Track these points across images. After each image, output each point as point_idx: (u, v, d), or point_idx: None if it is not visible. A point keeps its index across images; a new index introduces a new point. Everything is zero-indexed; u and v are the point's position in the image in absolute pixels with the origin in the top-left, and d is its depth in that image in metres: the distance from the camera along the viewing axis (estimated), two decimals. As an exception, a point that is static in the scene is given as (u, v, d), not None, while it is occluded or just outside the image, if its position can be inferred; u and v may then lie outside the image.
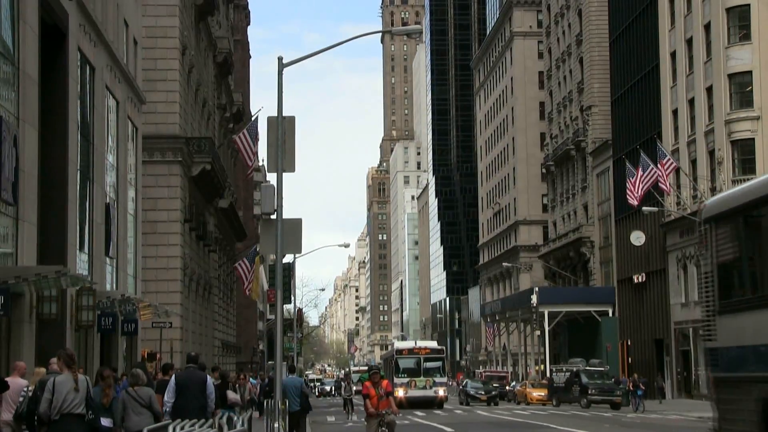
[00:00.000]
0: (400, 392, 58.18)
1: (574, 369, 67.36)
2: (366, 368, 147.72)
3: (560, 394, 67.37)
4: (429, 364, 62.69)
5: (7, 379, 18.96)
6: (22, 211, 27.04)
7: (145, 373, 19.65)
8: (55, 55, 31.77)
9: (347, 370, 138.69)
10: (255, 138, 31.98)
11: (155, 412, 18.19)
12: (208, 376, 21.59)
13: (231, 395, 30.83)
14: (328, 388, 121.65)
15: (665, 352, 77.49)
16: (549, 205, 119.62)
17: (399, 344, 75.90)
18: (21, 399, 18.63)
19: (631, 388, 61.04)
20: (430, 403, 60.80)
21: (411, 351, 64.17)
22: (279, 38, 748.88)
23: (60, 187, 31.38)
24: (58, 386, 15.74)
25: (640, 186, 61.06)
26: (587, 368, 67.16)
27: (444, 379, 65.80)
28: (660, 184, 61.54)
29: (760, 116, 65.76)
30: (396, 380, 60.10)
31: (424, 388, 61.28)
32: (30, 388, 18.31)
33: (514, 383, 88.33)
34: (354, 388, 55.52)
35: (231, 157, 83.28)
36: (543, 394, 71.84)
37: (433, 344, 71.34)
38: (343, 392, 55.79)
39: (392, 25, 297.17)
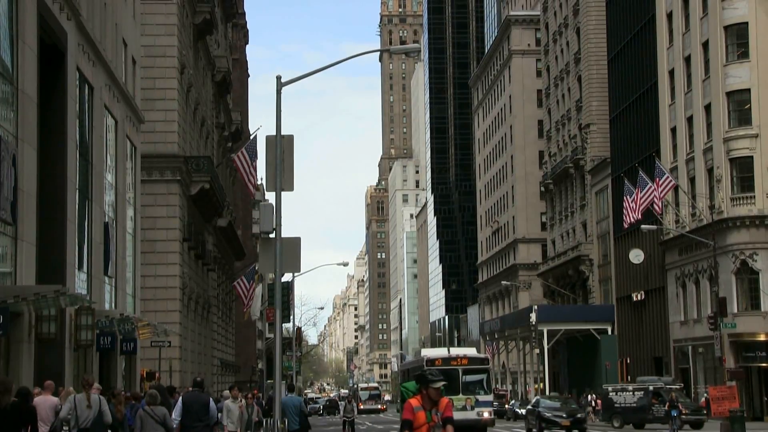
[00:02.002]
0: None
1: (651, 388, 57.68)
2: (374, 386, 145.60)
3: (628, 415, 58.00)
4: (469, 378, 50.08)
5: (38, 397, 21.08)
6: (20, 231, 27.01)
7: (161, 394, 22.48)
8: (54, 75, 31.79)
9: (354, 386, 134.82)
10: (254, 157, 31.98)
11: (168, 427, 20.78)
12: (211, 399, 23.82)
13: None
14: (317, 406, 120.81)
15: (664, 370, 77.31)
16: (548, 223, 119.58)
17: (429, 353, 57.88)
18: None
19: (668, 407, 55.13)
20: (471, 429, 48.74)
21: (446, 361, 49.89)
22: (279, 57, 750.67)
23: (59, 206, 31.37)
24: (78, 403, 20.74)
25: (638, 206, 61.08)
26: (670, 386, 57.61)
27: (489, 398, 51.47)
28: (654, 204, 61.57)
29: (758, 134, 65.77)
30: None
31: (464, 409, 48.06)
32: (60, 405, 21.26)
33: (513, 402, 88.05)
34: (359, 407, 53.30)
35: (230, 176, 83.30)
36: None
37: (472, 351, 57.77)
38: (342, 412, 49.06)
39: (391, 43, 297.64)
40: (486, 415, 49.40)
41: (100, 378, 37.05)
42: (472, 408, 48.71)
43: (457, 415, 44.70)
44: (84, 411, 20.87)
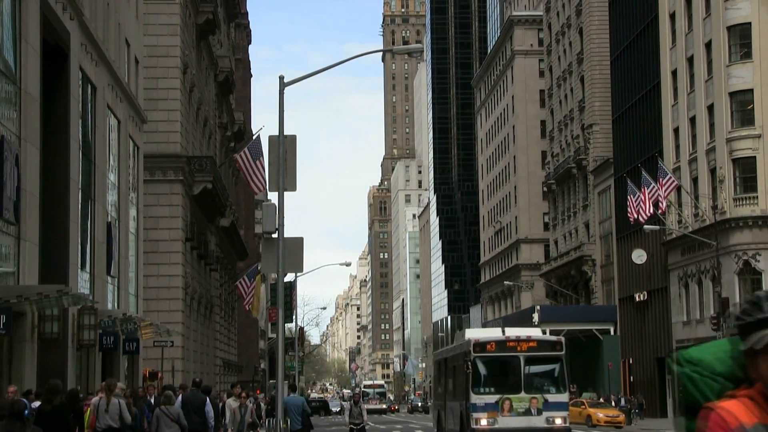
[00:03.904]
0: (483, 421, 35.81)
1: None
2: (379, 383, 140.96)
3: None
4: (535, 369, 37.12)
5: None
6: (23, 231, 27.03)
7: (174, 395, 25.12)
8: (57, 75, 31.82)
9: (358, 387, 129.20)
10: (258, 155, 31.95)
11: (182, 425, 23.50)
12: (207, 399, 26.69)
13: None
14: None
15: (667, 370, 77.27)
16: (550, 223, 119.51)
17: (476, 334, 42.27)
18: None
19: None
20: None
21: (501, 346, 37.14)
22: (283, 58, 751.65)
23: (62, 206, 31.39)
24: (99, 407, 22.90)
25: (643, 205, 60.97)
26: None
27: (563, 397, 37.27)
28: (659, 202, 61.53)
29: (761, 134, 65.73)
30: (474, 398, 36.29)
31: (528, 413, 35.96)
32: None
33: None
34: (367, 407, 43.04)
35: (232, 176, 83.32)
36: (613, 414, 64.43)
37: (537, 332, 41.88)
38: (348, 417, 37.19)
39: (393, 43, 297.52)
40: (559, 422, 35.99)
41: (103, 378, 37.08)
42: (540, 412, 35.72)
43: (518, 422, 35.47)
44: (102, 415, 22.81)
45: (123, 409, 23.22)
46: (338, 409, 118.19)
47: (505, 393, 36.19)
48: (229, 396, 34.47)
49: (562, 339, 38.22)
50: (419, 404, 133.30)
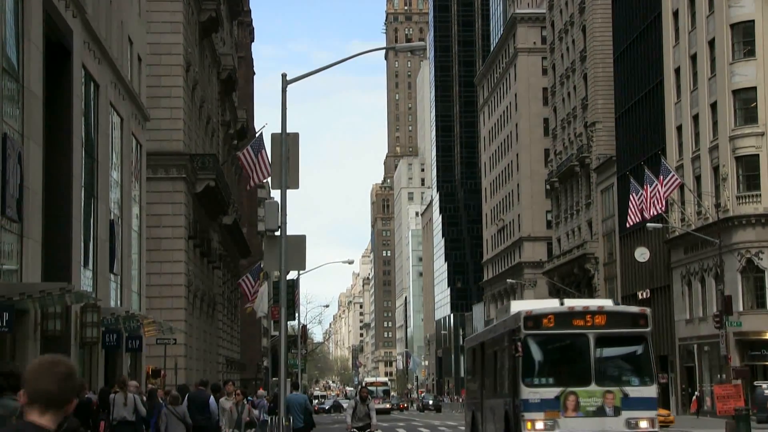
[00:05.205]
0: (538, 425, 25.99)
1: None
2: (382, 381, 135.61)
3: None
4: (611, 351, 27.49)
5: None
6: (26, 228, 27.03)
7: (181, 395, 26.24)
8: (60, 73, 31.81)
9: (363, 382, 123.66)
10: (260, 152, 31.93)
11: (188, 424, 24.87)
12: (212, 397, 27.65)
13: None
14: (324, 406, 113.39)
15: (670, 368, 77.27)
16: (553, 221, 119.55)
17: (527, 305, 30.30)
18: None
19: None
20: None
21: (563, 320, 27.13)
22: (287, 56, 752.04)
23: (64, 203, 31.38)
24: (117, 402, 25.03)
25: (645, 205, 60.87)
26: None
27: (651, 390, 26.93)
28: (656, 203, 61.51)
29: (764, 132, 65.71)
30: (526, 392, 26.33)
31: (600, 412, 26.20)
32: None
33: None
34: (380, 405, 34.93)
35: (235, 174, 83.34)
36: (664, 414, 59.29)
37: (609, 303, 30.61)
38: (350, 419, 28.15)
39: (396, 41, 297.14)
40: (645, 425, 26.10)
41: (105, 375, 37.12)
42: (617, 411, 26.01)
43: (587, 426, 26.04)
44: (120, 408, 24.76)
45: (138, 404, 25.19)
46: (327, 407, 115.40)
47: (569, 385, 26.34)
48: (216, 391, 30.74)
49: (648, 311, 27.75)
50: (430, 402, 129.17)
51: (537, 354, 26.94)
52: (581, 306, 27.59)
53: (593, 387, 26.09)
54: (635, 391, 26.24)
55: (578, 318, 26.77)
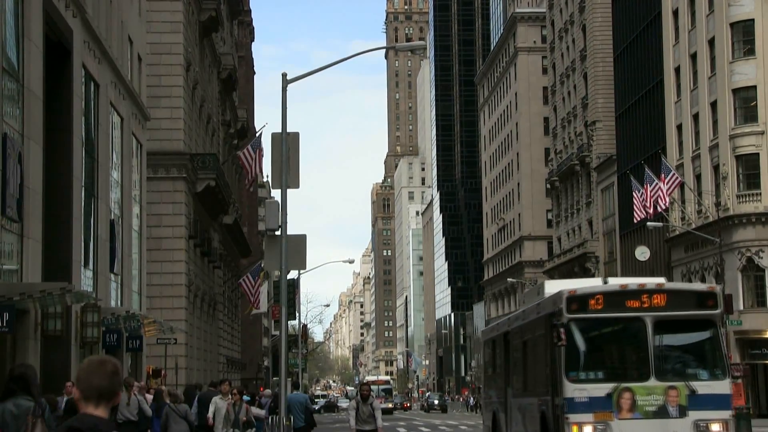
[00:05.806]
0: (587, 428, 21.49)
1: None
2: (384, 379, 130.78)
3: None
4: (674, 338, 22.49)
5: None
6: (26, 228, 27.04)
7: (192, 395, 28.05)
8: (60, 72, 31.81)
9: (362, 381, 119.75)
10: (259, 152, 31.98)
11: (190, 422, 25.19)
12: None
13: (254, 410, 32.65)
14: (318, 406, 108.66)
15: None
16: (553, 220, 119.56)
17: (568, 284, 24.59)
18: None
19: None
20: None
21: (614, 300, 22.07)
22: (288, 55, 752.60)
23: (65, 203, 31.38)
24: (121, 402, 24.08)
25: (649, 201, 60.79)
26: None
27: (723, 385, 21.86)
28: (659, 200, 61.44)
29: (764, 131, 65.70)
30: (571, 389, 21.66)
31: (662, 413, 21.48)
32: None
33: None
34: (382, 405, 34.01)
35: (235, 173, 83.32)
36: None
37: (662, 280, 24.40)
38: (353, 420, 25.03)
39: (397, 40, 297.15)
40: (717, 428, 21.48)
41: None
42: (683, 412, 21.46)
43: (647, 429, 21.44)
44: (123, 409, 24.80)
45: (143, 405, 25.51)
46: (317, 407, 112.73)
47: (623, 380, 21.80)
48: (210, 388, 31.14)
49: (717, 288, 22.68)
50: (435, 402, 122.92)
51: (583, 343, 22.13)
52: (636, 284, 22.54)
53: (653, 382, 21.54)
54: (704, 387, 21.59)
55: (633, 298, 21.89)
